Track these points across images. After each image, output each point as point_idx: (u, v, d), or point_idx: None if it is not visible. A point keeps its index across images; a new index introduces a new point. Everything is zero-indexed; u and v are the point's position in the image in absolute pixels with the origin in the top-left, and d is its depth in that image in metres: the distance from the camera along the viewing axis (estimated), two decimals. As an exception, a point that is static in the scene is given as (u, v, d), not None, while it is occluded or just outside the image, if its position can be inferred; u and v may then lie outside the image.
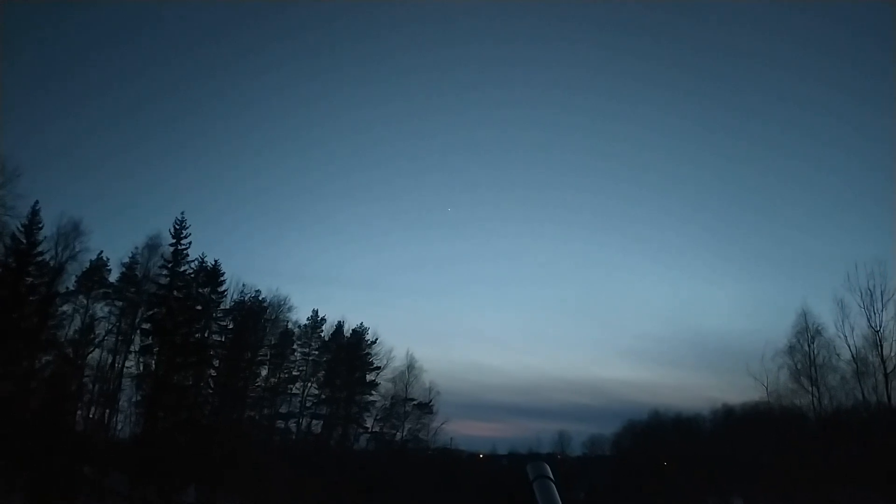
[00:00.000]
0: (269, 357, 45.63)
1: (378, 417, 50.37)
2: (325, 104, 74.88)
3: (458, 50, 72.92)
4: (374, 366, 50.69)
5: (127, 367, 39.08)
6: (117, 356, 38.69)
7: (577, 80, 76.15)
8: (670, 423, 45.01)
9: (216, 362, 43.34)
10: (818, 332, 34.23)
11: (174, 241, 42.36)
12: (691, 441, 41.92)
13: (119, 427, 38.56)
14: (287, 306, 46.41)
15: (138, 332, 39.85)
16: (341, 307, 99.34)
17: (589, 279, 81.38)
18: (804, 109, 61.19)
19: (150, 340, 40.16)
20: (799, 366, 34.08)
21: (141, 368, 39.27)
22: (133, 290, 39.63)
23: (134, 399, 38.56)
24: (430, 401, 50.03)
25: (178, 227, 42.66)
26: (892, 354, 30.66)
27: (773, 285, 67.15)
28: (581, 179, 79.85)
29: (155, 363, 39.45)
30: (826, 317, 35.48)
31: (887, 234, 51.66)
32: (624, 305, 78.16)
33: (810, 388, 33.36)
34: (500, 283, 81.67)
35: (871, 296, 31.24)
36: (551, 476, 2.45)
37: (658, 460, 41.39)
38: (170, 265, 42.04)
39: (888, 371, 30.69)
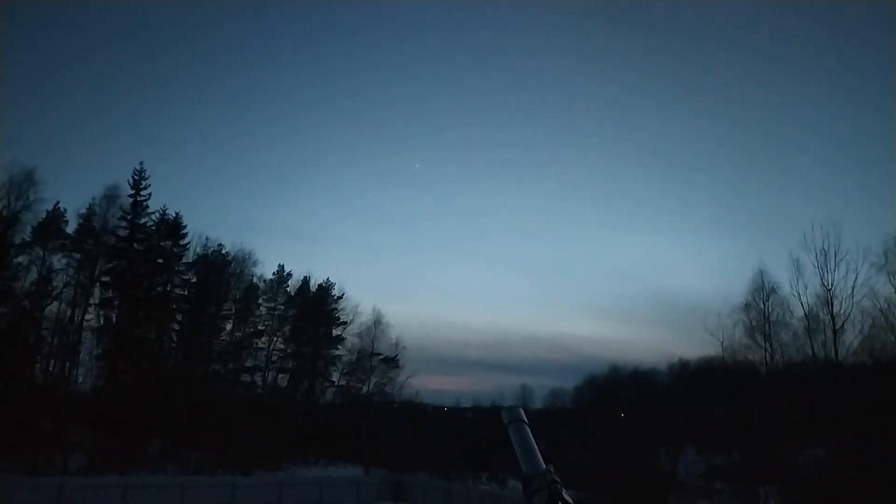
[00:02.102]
0: (233, 311, 45.30)
1: (344, 371, 50.81)
2: (292, 54, 72.68)
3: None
4: (341, 321, 50.88)
5: (87, 320, 38.43)
6: (76, 309, 37.95)
7: (546, 35, 75.28)
8: (628, 377, 46.61)
9: (179, 316, 42.89)
10: (773, 290, 35.45)
11: (133, 192, 41.34)
12: (648, 394, 43.51)
13: (80, 380, 38.12)
14: (252, 261, 45.99)
15: (98, 284, 39.07)
16: (307, 263, 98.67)
17: (553, 237, 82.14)
18: (766, 72, 61.74)
19: (110, 293, 39.48)
20: (753, 322, 35.38)
21: (101, 321, 38.66)
22: (91, 242, 38.65)
23: (95, 352, 38.04)
24: (396, 355, 50.61)
25: (136, 177, 41.58)
26: (842, 312, 32.03)
27: (733, 245, 68.84)
28: (547, 138, 79.72)
29: (116, 316, 38.89)
30: (782, 276, 36.71)
31: (844, 197, 53.25)
32: (587, 264, 79.36)
33: (763, 344, 34.76)
34: (467, 240, 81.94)
35: (826, 256, 32.33)
36: (525, 419, 2.47)
37: (616, 413, 42.84)
38: (129, 217, 41.08)
39: (837, 328, 32.10)
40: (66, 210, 39.24)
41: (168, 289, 42.38)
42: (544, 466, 2.30)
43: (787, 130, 61.64)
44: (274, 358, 47.65)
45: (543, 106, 75.81)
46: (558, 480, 2.26)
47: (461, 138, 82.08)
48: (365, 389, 50.53)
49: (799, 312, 33.75)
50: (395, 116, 79.75)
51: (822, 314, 32.73)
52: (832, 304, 32.17)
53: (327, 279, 51.36)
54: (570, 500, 2.23)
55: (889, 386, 27.84)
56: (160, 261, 41.76)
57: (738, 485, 31.92)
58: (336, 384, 50.73)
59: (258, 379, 46.95)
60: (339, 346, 50.73)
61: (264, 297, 48.06)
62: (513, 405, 2.63)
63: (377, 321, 50.46)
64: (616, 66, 76.08)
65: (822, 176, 60.65)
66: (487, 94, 76.71)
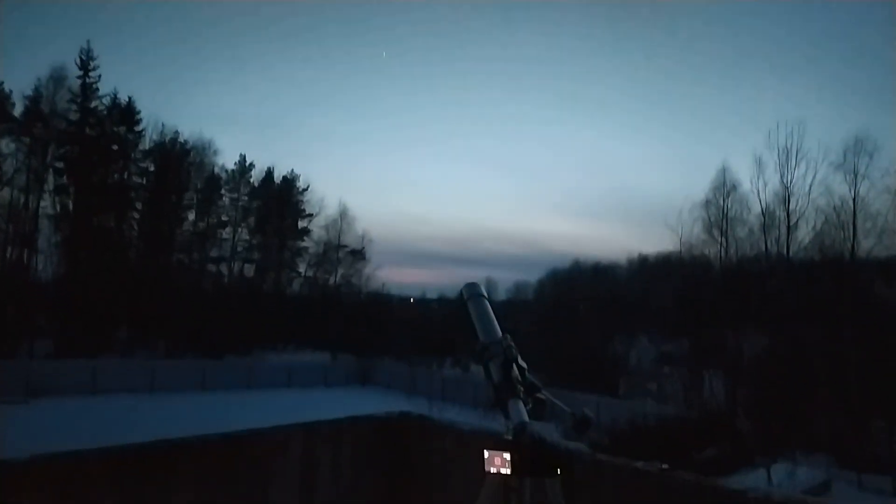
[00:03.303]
0: (195, 202, 44.38)
1: (311, 263, 51.11)
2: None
3: None
4: (306, 213, 50.51)
5: (42, 208, 37.28)
6: (30, 195, 36.67)
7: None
8: (589, 271, 48.05)
9: (139, 205, 41.92)
10: (734, 187, 36.14)
11: (81, 73, 38.90)
12: (607, 288, 45.13)
13: (40, 268, 37.51)
14: (212, 150, 44.57)
15: (51, 170, 37.59)
16: (271, 154, 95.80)
17: (521, 135, 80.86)
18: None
19: (64, 180, 38.10)
20: (712, 219, 36.32)
21: (58, 209, 37.56)
22: (40, 125, 36.72)
23: (53, 240, 37.24)
24: (363, 248, 50.91)
25: (84, 57, 39.04)
26: (797, 209, 33.05)
27: (698, 143, 68.92)
28: (512, 34, 76.49)
29: (72, 204, 37.78)
30: (744, 174, 37.42)
31: (809, 95, 53.15)
32: (555, 161, 78.96)
33: (719, 240, 35.91)
34: (434, 135, 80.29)
35: (787, 154, 32.79)
36: (485, 294, 2.47)
37: (576, 305, 44.46)
38: (79, 100, 38.92)
39: (791, 224, 33.27)
40: (11, 91, 36.93)
41: (125, 177, 41.05)
42: (500, 335, 2.30)
43: (755, 28, 60.25)
44: (239, 249, 47.46)
45: (514, 4, 72.14)
46: (513, 346, 2.25)
47: (429, 32, 78.24)
48: (332, 281, 51.16)
49: (756, 209, 34.67)
50: (361, 6, 75.16)
51: (778, 211, 33.71)
52: (789, 201, 33.08)
53: (291, 171, 50.42)
54: (524, 364, 2.24)
55: (833, 282, 29.28)
56: (115, 147, 40.12)
57: (684, 369, 34.02)
58: (303, 275, 51.16)
59: (224, 269, 46.94)
60: (305, 238, 50.74)
61: (227, 187, 47.06)
62: (473, 282, 2.61)
63: (343, 213, 50.34)
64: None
65: (788, 72, 60.11)
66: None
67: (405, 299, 58.73)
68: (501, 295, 57.76)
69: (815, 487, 17.44)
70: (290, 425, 3.51)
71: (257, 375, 34.43)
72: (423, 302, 56.64)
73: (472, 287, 2.56)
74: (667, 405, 30.12)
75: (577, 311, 41.55)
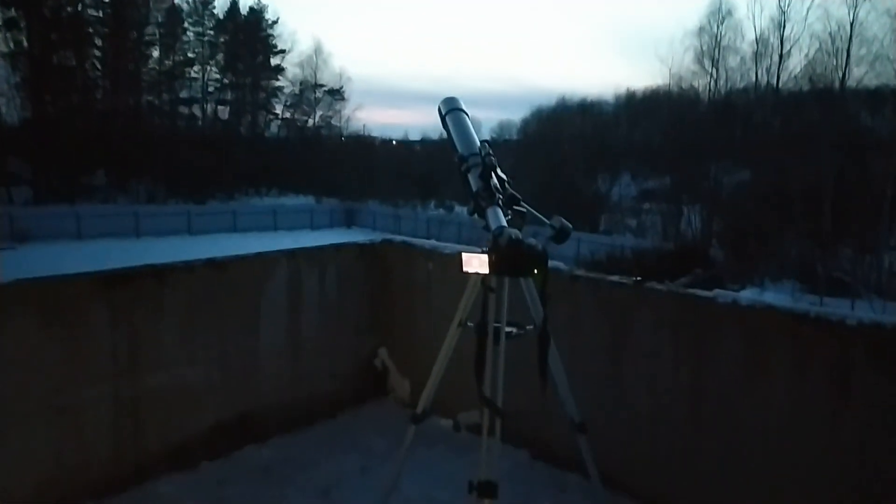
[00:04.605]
0: (158, 37, 41.66)
1: (288, 104, 49.37)
2: None
3: None
4: (278, 49, 47.82)
5: (-6, 45, 34.88)
6: (-22, 31, 34.12)
7: None
8: (575, 108, 46.99)
9: (98, 41, 39.38)
10: (729, 13, 34.65)
11: None
12: (592, 125, 44.43)
13: (3, 111, 35.89)
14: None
15: (-2, 3, 34.64)
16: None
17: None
18: None
19: (13, 13, 35.32)
20: (704, 47, 35.15)
21: (12, 46, 35.22)
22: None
23: (12, 80, 35.29)
24: (341, 87, 49.00)
25: None
26: (792, 35, 31.99)
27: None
28: None
29: (27, 41, 35.40)
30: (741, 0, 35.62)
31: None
32: (543, -10, 74.03)
33: (710, 70, 35.01)
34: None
35: (787, -23, 30.96)
36: (464, 109, 2.41)
37: (560, 143, 44.02)
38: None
39: (784, 52, 32.35)
40: None
41: (79, 9, 38.01)
42: (479, 146, 2.26)
43: None
44: (210, 89, 45.47)
45: None
46: (492, 154, 2.20)
47: None
48: (311, 122, 49.84)
49: (750, 37, 33.59)
50: None
51: (772, 38, 32.68)
52: (784, 27, 31.88)
53: (258, 2, 46.87)
54: (504, 176, 2.19)
55: (821, 112, 29.05)
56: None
57: (664, 205, 34.71)
58: (280, 117, 49.65)
59: (197, 111, 45.33)
60: (280, 77, 48.53)
61: (189, 20, 43.98)
62: (451, 96, 2.52)
63: (318, 49, 47.88)
64: None
65: None
66: None
67: (387, 141, 57.73)
68: (485, 135, 56.71)
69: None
70: (275, 251, 3.53)
71: (242, 219, 34.58)
72: (405, 143, 55.80)
73: (450, 101, 2.46)
74: (645, 239, 31.13)
75: (561, 150, 41.25)
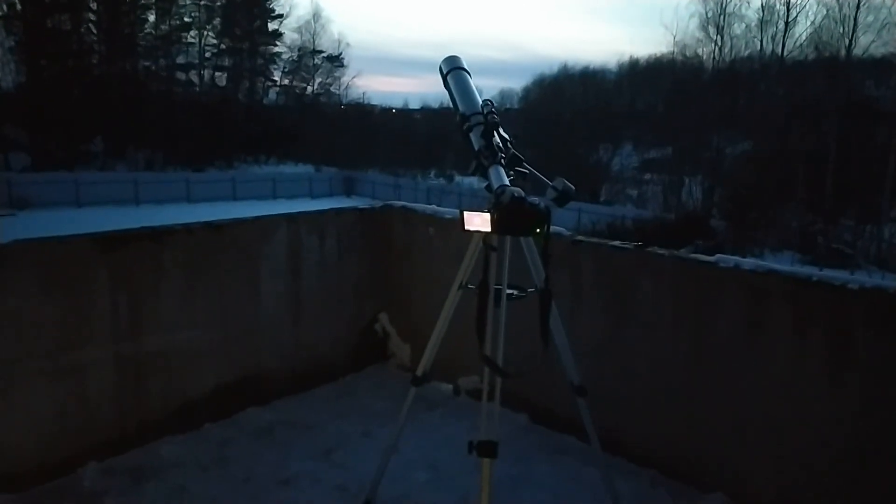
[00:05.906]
0: (154, 1, 40.91)
1: (286, 70, 48.71)
2: None
3: None
4: (276, 13, 47.01)
5: (-13, 8, 34.28)
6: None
7: None
8: (577, 76, 46.40)
9: (93, 5, 38.72)
10: (736, -22, 33.89)
11: None
12: (595, 93, 43.92)
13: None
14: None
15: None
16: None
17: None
18: None
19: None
20: (709, 14, 34.53)
21: (5, 9, 34.67)
22: None
23: (7, 45, 34.81)
24: (340, 53, 48.31)
25: None
26: (799, 2, 31.44)
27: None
28: None
29: (20, 2, 34.85)
30: (749, -37, 34.75)
31: None
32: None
33: (714, 38, 34.45)
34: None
35: (797, -61, 30.25)
36: (465, 68, 2.36)
37: (562, 111, 43.55)
38: None
39: (790, 19, 31.79)
40: None
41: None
42: (480, 105, 2.22)
43: None
44: (208, 55, 44.79)
45: None
46: (495, 113, 2.16)
47: None
48: (310, 90, 49.24)
49: (756, 3, 32.99)
50: None
51: (778, 5, 32.10)
52: (791, -9, 31.31)
53: (255, -36, 45.84)
54: (507, 136, 2.16)
55: (826, 81, 28.69)
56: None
57: (666, 175, 34.50)
58: (279, 84, 49.03)
59: (194, 77, 44.73)
60: (278, 43, 47.78)
61: (186, -17, 43.09)
62: (453, 55, 2.47)
63: (316, 14, 47.07)
64: None
65: None
66: None
67: (387, 110, 57.14)
68: (486, 103, 56.24)
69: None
70: (275, 215, 3.51)
71: (242, 187, 34.45)
72: (405, 112, 55.24)
73: (452, 60, 2.42)
74: (646, 209, 31.02)
75: (563, 119, 40.83)
